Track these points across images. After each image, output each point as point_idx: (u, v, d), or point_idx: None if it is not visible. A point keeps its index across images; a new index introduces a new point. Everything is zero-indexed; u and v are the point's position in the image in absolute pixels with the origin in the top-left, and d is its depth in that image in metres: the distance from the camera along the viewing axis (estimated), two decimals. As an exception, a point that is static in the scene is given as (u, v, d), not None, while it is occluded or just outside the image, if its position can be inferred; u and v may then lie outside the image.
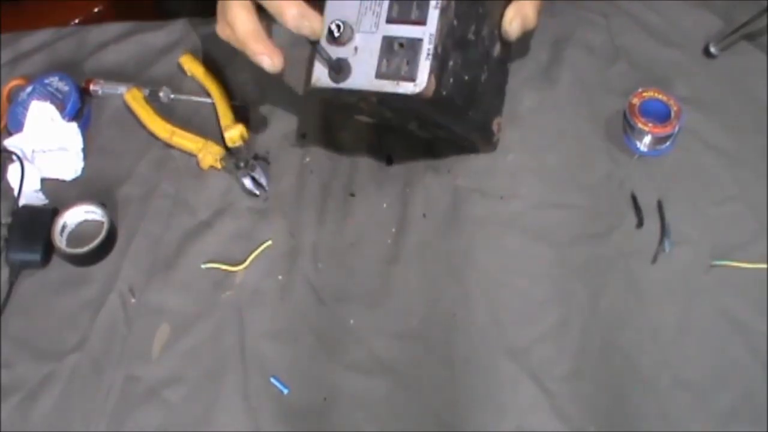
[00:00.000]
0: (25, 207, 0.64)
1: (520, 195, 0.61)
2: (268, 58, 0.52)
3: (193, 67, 0.72)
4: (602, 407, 0.52)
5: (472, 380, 0.54)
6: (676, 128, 0.61)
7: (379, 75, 0.50)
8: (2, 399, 0.56)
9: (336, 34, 0.50)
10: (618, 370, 0.53)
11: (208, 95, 0.70)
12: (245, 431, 0.53)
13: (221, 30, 0.55)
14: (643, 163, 0.62)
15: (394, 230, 0.61)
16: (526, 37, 0.59)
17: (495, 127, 0.62)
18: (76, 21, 1.12)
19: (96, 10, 1.15)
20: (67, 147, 0.67)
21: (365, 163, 0.65)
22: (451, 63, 0.51)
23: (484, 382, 0.53)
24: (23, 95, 0.70)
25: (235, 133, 0.66)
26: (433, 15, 0.50)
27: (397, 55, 0.50)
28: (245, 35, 0.52)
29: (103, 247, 0.62)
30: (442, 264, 0.59)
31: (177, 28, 0.77)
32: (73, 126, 0.68)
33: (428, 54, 0.50)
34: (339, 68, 0.51)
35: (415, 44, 0.50)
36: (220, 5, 0.54)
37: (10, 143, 0.67)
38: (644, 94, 0.63)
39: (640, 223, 0.59)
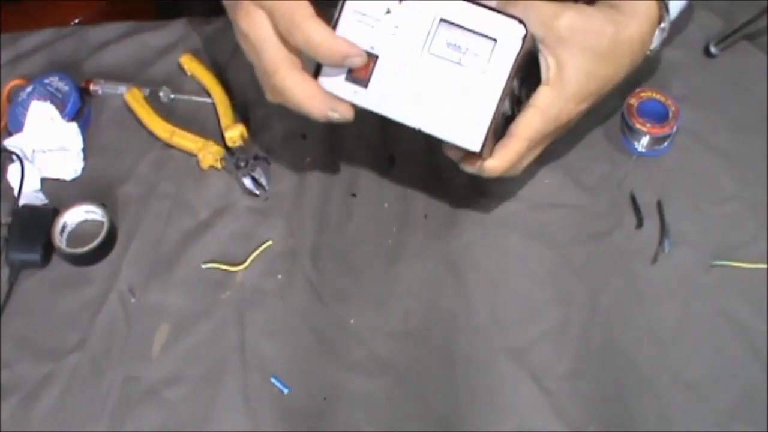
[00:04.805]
0: (25, 207, 0.64)
1: (520, 195, 0.61)
2: (337, 114, 0.50)
3: (193, 67, 0.72)
4: (602, 407, 0.52)
5: (472, 380, 0.54)
6: (674, 129, 0.61)
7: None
8: (2, 399, 0.55)
9: None
10: (618, 370, 0.53)
11: (208, 95, 0.70)
12: (245, 431, 0.53)
13: (272, 98, 0.52)
14: (641, 163, 0.62)
15: (394, 230, 0.61)
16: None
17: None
18: (76, 21, 1.12)
19: (96, 10, 1.15)
20: (67, 147, 0.67)
21: (367, 164, 0.65)
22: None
23: (484, 382, 0.53)
24: (23, 95, 0.70)
25: (235, 133, 0.66)
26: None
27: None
28: (303, 100, 0.49)
29: (103, 247, 0.62)
30: (442, 264, 0.59)
31: (177, 28, 0.77)
32: (73, 126, 0.68)
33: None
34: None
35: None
36: (261, 70, 0.51)
37: (10, 143, 0.67)
38: (642, 94, 0.63)
39: (639, 223, 0.59)
